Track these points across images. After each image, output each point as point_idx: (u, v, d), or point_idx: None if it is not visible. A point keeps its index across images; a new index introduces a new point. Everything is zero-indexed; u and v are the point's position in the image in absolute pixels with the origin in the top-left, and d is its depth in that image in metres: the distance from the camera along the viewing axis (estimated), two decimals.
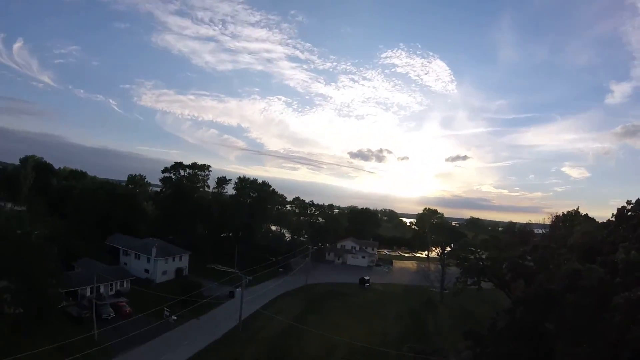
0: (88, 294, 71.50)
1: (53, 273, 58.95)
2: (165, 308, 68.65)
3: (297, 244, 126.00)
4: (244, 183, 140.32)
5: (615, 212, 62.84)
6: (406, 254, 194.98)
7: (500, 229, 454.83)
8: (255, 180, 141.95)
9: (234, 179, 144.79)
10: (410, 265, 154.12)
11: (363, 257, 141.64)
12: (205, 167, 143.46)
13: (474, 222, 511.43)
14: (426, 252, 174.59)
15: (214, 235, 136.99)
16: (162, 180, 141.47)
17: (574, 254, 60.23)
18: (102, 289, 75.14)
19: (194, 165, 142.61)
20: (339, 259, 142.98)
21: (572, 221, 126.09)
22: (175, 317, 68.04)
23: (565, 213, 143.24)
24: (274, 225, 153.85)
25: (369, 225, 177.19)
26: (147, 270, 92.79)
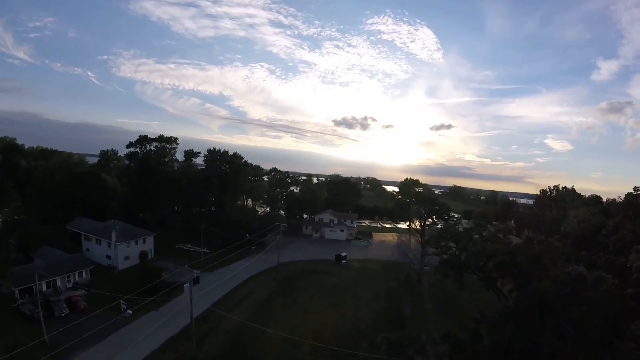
0: (45, 288, 66.51)
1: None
2: (121, 301, 62.41)
3: (272, 218, 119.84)
4: (214, 155, 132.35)
5: (622, 198, 56.73)
6: (387, 225, 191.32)
7: (482, 197, 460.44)
8: (226, 152, 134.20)
9: (209, 150, 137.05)
10: (391, 237, 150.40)
11: (341, 231, 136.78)
12: (172, 140, 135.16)
13: (456, 191, 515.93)
14: (408, 224, 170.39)
15: (184, 212, 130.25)
16: (128, 155, 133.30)
17: (569, 243, 55.15)
18: (59, 283, 69.75)
19: (160, 138, 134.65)
20: (316, 233, 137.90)
21: (562, 200, 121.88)
22: (131, 312, 62.09)
23: (552, 188, 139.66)
24: (249, 198, 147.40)
25: (349, 195, 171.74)
26: (108, 257, 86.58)
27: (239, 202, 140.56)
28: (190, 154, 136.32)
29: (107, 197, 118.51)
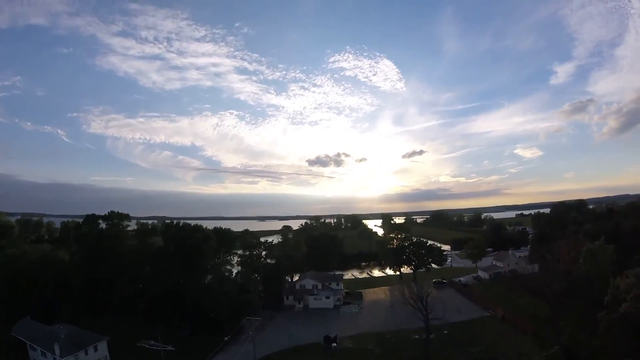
0: None
1: None
2: None
3: (244, 302, 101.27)
4: (171, 230, 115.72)
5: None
6: (376, 273, 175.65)
7: (465, 218, 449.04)
8: (185, 225, 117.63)
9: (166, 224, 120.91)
10: (384, 294, 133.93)
11: (327, 297, 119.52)
12: (124, 216, 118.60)
13: (438, 216, 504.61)
14: (398, 273, 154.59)
15: (146, 295, 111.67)
16: (76, 239, 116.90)
17: None
18: None
19: (112, 215, 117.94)
20: (299, 303, 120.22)
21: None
22: None
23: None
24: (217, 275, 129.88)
25: (330, 249, 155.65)
26: None
27: (208, 280, 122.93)
28: (144, 232, 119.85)
29: (58, 291, 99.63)
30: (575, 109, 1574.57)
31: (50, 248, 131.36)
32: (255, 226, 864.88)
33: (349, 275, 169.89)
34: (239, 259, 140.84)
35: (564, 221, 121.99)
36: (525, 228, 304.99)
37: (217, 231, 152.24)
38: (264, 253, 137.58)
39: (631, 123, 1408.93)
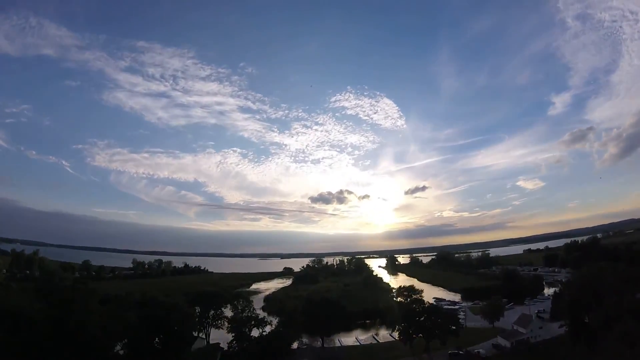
0: None
1: None
2: None
3: None
4: (146, 309, 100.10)
5: None
6: (382, 333, 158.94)
7: (473, 257, 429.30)
8: (164, 303, 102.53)
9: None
10: None
11: None
12: (91, 292, 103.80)
13: (444, 257, 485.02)
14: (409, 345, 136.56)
15: None
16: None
17: None
18: None
19: (77, 288, 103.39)
20: None
21: None
22: None
23: None
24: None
25: (332, 315, 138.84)
26: None
27: None
28: (120, 305, 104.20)
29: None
30: (575, 137, 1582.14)
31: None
32: (255, 266, 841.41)
33: (352, 338, 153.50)
34: (228, 326, 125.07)
35: (597, 287, 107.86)
36: (537, 269, 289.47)
37: (206, 294, 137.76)
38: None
39: (631, 147, 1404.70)
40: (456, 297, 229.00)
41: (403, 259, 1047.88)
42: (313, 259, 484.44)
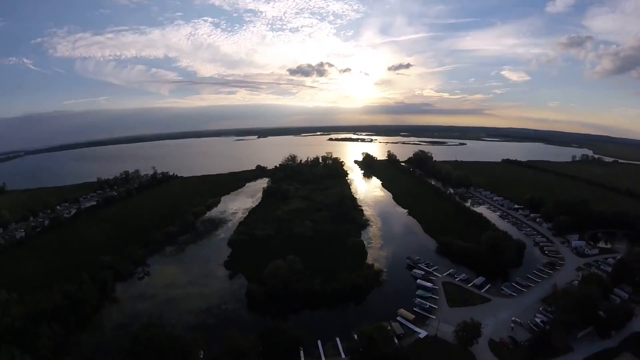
0: None
1: None
2: None
3: None
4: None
5: None
6: None
7: (452, 172, 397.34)
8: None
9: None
10: None
11: None
12: None
13: (421, 160, 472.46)
14: None
15: None
16: None
17: None
18: None
19: None
20: None
21: None
22: None
23: None
24: None
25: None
26: None
27: None
28: None
29: None
30: (572, 42, 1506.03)
31: None
32: (231, 150, 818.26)
33: None
34: None
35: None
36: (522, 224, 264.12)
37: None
38: None
39: (625, 67, 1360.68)
40: (432, 248, 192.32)
41: (381, 141, 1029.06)
42: (287, 157, 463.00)
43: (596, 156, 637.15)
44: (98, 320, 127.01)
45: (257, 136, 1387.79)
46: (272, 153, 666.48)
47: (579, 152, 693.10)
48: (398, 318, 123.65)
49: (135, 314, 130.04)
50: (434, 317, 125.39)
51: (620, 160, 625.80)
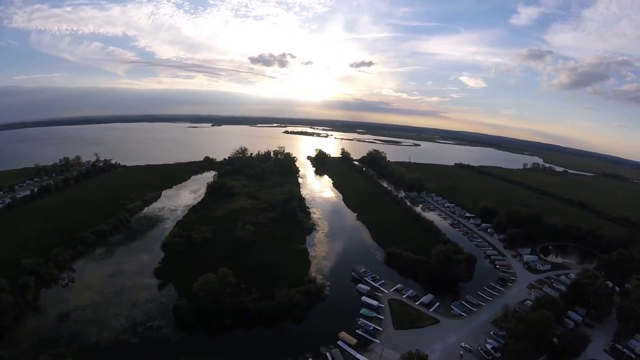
0: None
1: None
2: None
3: None
4: None
5: None
6: None
7: (406, 175, 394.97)
8: None
9: None
10: None
11: None
12: None
13: (375, 160, 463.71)
14: None
15: None
16: None
17: None
18: None
19: None
20: None
21: None
22: None
23: None
24: None
25: None
26: None
27: None
28: None
29: None
30: (532, 55, 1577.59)
31: None
32: (183, 138, 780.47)
33: None
34: None
35: None
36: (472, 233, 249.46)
37: None
38: None
39: (582, 83, 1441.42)
40: (379, 259, 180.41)
41: (337, 137, 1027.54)
42: (237, 149, 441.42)
43: (547, 165, 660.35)
44: (17, 334, 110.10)
45: (211, 124, 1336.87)
46: (224, 143, 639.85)
47: (530, 160, 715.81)
48: (339, 342, 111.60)
49: (57, 328, 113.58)
50: (378, 341, 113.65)
51: (570, 171, 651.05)
